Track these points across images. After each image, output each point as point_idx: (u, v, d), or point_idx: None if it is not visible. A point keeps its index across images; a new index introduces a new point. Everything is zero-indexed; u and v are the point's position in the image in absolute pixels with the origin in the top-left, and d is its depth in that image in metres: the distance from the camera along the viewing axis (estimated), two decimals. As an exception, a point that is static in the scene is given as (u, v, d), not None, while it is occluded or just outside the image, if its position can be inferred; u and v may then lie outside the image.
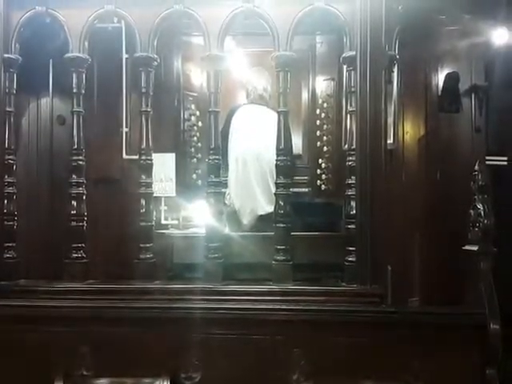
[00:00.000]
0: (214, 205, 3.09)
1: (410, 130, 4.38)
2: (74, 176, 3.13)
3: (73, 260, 3.09)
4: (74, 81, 3.13)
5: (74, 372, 2.80)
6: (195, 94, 4.67)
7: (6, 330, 2.89)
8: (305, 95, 4.74)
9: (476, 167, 2.90)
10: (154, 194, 3.30)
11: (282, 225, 3.02)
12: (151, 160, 3.14)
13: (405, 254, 3.92)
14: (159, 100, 3.87)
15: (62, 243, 3.21)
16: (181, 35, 4.49)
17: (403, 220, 3.90)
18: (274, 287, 2.97)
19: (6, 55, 3.14)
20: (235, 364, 2.79)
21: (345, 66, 3.14)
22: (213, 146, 3.11)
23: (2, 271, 3.09)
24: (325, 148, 4.63)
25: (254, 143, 3.90)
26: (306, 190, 4.57)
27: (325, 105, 4.66)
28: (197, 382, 2.82)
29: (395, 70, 3.73)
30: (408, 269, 3.91)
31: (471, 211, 2.91)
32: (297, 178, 4.37)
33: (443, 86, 4.40)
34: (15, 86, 3.19)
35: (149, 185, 3.13)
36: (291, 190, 3.10)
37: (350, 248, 2.98)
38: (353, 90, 3.02)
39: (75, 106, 3.15)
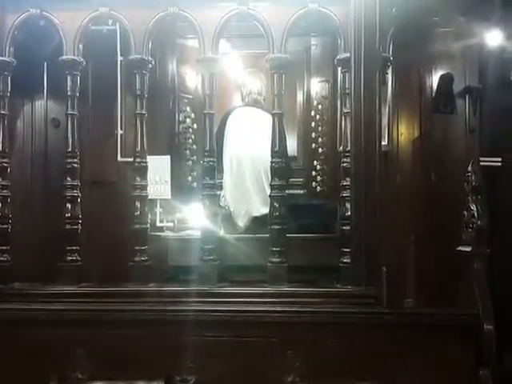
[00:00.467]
0: (209, 207, 3.09)
1: (405, 132, 4.39)
2: (68, 178, 3.13)
3: (67, 263, 3.08)
4: (69, 83, 3.13)
5: (69, 375, 2.79)
6: (190, 97, 4.65)
7: (0, 332, 2.88)
8: (300, 97, 4.73)
9: (469, 168, 2.92)
10: (150, 197, 3.31)
11: (277, 226, 3.03)
12: (146, 162, 3.15)
13: (400, 255, 3.92)
14: (154, 102, 3.87)
15: (56, 246, 3.20)
16: (176, 37, 4.48)
17: (398, 221, 3.90)
18: (269, 289, 2.97)
19: (0, 58, 3.13)
20: (230, 366, 2.80)
21: (339, 68, 3.15)
22: (208, 148, 3.12)
23: (-3, 274, 3.09)
24: (320, 150, 4.62)
25: (248, 145, 3.89)
26: (301, 191, 4.56)
27: (320, 107, 4.65)
28: (191, 384, 2.83)
29: (389, 71, 3.75)
30: (403, 270, 3.91)
31: (465, 212, 2.93)
32: (292, 179, 4.35)
33: (437, 88, 4.41)
34: (9, 89, 3.19)
35: (143, 187, 3.13)
36: (286, 191, 3.11)
37: (345, 249, 2.99)
38: (347, 91, 3.03)
39: (69, 109, 3.15)
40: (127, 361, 2.81)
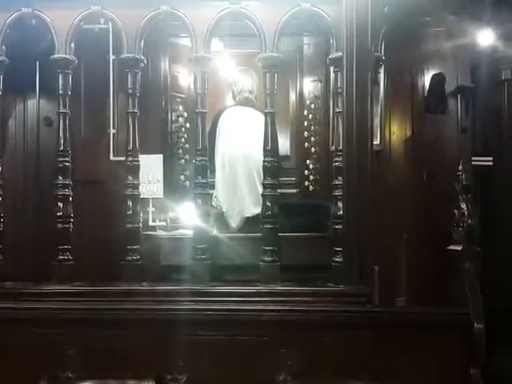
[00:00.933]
0: (201, 206, 3.09)
1: (397, 131, 4.40)
2: (60, 177, 3.12)
3: (59, 262, 3.07)
4: (61, 82, 3.12)
5: (59, 374, 2.79)
6: (183, 96, 4.65)
7: (-8, 332, 2.88)
8: (292, 96, 4.74)
9: (460, 167, 2.93)
10: (142, 196, 3.30)
11: (269, 225, 3.03)
12: (138, 161, 3.14)
13: (392, 254, 3.94)
14: (147, 101, 3.87)
15: (48, 245, 3.19)
16: (168, 36, 4.48)
17: (390, 220, 3.91)
18: (262, 288, 2.97)
19: (-8, 57, 3.12)
20: (221, 365, 2.80)
21: (331, 68, 3.16)
22: (200, 146, 3.11)
23: (-12, 273, 3.08)
24: (312, 149, 4.63)
25: (240, 145, 3.89)
26: (294, 191, 4.57)
27: (312, 106, 4.66)
28: (182, 383, 2.82)
29: (381, 71, 3.75)
30: (395, 269, 3.92)
31: (455, 211, 2.94)
32: (285, 179, 4.37)
33: (429, 87, 4.42)
34: (1, 88, 3.18)
35: (135, 186, 3.13)
36: (279, 191, 3.11)
37: (337, 248, 2.99)
38: (339, 91, 3.04)
39: (61, 108, 3.14)
40: (118, 360, 2.80)
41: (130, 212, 3.09)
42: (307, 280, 3.39)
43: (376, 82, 3.51)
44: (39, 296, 2.99)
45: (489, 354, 2.77)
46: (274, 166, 3.08)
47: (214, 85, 3.45)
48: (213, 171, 3.76)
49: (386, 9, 3.25)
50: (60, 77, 3.12)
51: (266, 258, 3.02)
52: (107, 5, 3.09)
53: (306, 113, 4.67)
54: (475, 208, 2.93)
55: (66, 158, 3.13)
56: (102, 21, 3.48)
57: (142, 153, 3.20)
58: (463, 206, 2.87)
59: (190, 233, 3.23)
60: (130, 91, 3.12)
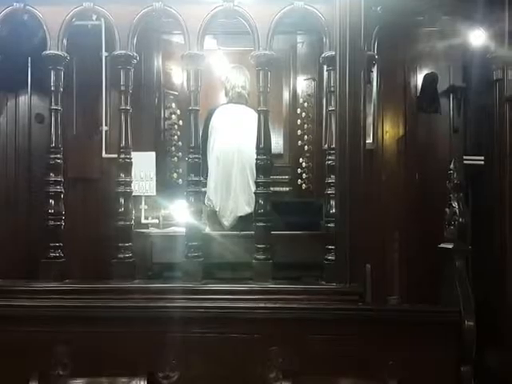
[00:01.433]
0: (193, 204, 3.09)
1: (389, 130, 4.42)
2: (51, 174, 3.10)
3: (50, 259, 3.06)
4: (52, 78, 3.10)
5: (50, 372, 2.77)
6: (176, 93, 4.64)
7: (-18, 330, 2.86)
8: (286, 95, 4.75)
9: (451, 166, 2.94)
10: (135, 193, 3.29)
11: (262, 223, 3.03)
12: (130, 158, 3.13)
13: (384, 253, 3.96)
14: (139, 98, 3.86)
15: (39, 242, 3.17)
16: (161, 33, 4.47)
17: (382, 219, 3.93)
18: (254, 286, 2.97)
19: (-17, 53, 3.10)
20: (213, 362, 2.80)
21: (325, 66, 3.16)
22: (193, 144, 3.11)
23: (-21, 271, 3.06)
24: (306, 147, 4.64)
25: (233, 143, 3.88)
26: (287, 189, 4.58)
27: (306, 104, 4.67)
28: (174, 381, 2.82)
29: (374, 70, 3.77)
30: (387, 267, 3.94)
31: (447, 210, 2.95)
32: (278, 177, 4.38)
33: (422, 87, 4.44)
34: (-7, 84, 3.16)
35: (128, 183, 3.11)
36: (272, 189, 3.11)
37: (330, 247, 3.00)
38: (332, 89, 3.04)
39: (53, 104, 3.12)
40: (110, 357, 2.79)
41: (122, 209, 3.08)
42: (299, 278, 3.40)
43: (369, 81, 3.53)
44: (30, 293, 2.97)
45: (479, 351, 2.79)
46: (266, 164, 3.08)
47: (207, 82, 3.44)
48: (205, 171, 3.75)
49: (378, 8, 3.26)
50: (52, 73, 3.10)
51: (258, 256, 3.02)
52: (99, 1, 3.07)
53: (299, 111, 4.68)
54: (466, 207, 2.94)
55: (58, 155, 3.11)
56: (95, 17, 3.46)
57: (135, 150, 3.18)
58: (455, 204, 2.89)
59: (182, 230, 3.22)
60: (123, 88, 3.10)
